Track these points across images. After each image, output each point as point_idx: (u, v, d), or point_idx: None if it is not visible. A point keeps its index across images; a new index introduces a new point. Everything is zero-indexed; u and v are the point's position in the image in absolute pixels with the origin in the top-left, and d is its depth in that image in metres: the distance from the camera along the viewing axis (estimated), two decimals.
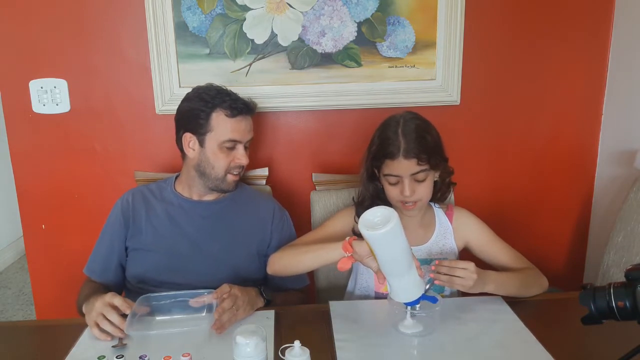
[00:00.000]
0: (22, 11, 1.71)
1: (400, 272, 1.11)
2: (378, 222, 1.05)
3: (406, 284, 1.13)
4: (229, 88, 1.47)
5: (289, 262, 1.32)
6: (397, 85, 1.83)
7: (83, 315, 1.24)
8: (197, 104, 1.41)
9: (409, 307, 1.17)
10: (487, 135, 1.94)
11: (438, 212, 1.45)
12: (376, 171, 1.35)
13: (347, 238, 1.18)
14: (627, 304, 0.87)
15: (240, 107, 1.41)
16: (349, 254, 1.16)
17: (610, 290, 0.89)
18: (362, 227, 1.05)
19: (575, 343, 1.18)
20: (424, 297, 1.15)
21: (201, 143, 1.42)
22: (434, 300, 1.18)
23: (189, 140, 1.43)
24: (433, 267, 1.20)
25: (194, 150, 1.43)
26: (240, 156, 1.44)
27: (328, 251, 1.22)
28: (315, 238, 1.39)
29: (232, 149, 1.43)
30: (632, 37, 1.79)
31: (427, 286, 1.19)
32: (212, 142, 1.41)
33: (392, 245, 1.06)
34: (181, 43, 1.75)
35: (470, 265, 1.19)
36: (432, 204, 1.44)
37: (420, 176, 1.29)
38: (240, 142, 1.43)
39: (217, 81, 1.57)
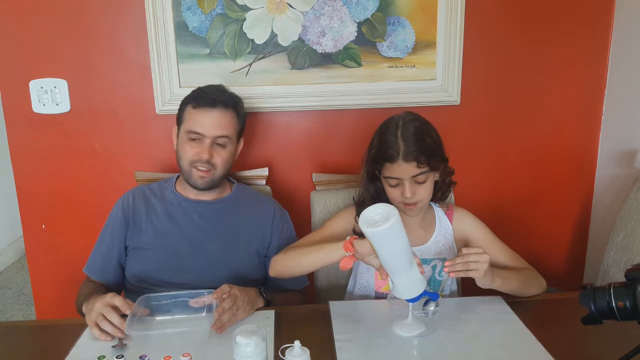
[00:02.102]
0: (22, 11, 1.71)
1: (402, 268, 1.11)
2: (378, 220, 1.05)
3: (407, 281, 1.13)
4: (229, 88, 1.48)
5: (291, 263, 1.32)
6: (397, 85, 1.83)
7: (82, 314, 1.24)
8: (184, 98, 1.48)
9: (410, 305, 1.17)
10: (487, 135, 1.94)
11: (438, 212, 1.45)
12: (376, 172, 1.35)
13: (348, 237, 1.18)
14: (627, 304, 0.87)
15: (206, 100, 1.42)
16: (350, 253, 1.16)
17: (611, 290, 0.89)
18: (362, 225, 1.05)
19: (575, 343, 1.18)
20: (425, 293, 1.16)
21: (177, 134, 1.47)
22: (435, 296, 1.19)
23: (174, 132, 1.49)
24: (447, 263, 1.19)
25: (175, 141, 1.48)
26: (202, 150, 1.41)
27: (329, 251, 1.22)
28: (317, 239, 1.39)
29: (197, 141, 1.42)
30: (632, 37, 1.79)
31: (446, 277, 1.20)
32: (182, 132, 1.45)
33: (393, 241, 1.06)
34: (181, 43, 1.75)
35: (479, 249, 1.19)
36: (432, 204, 1.44)
37: (421, 178, 1.29)
38: (204, 135, 1.41)
39: (217, 81, 1.58)
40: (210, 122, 1.41)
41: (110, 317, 1.16)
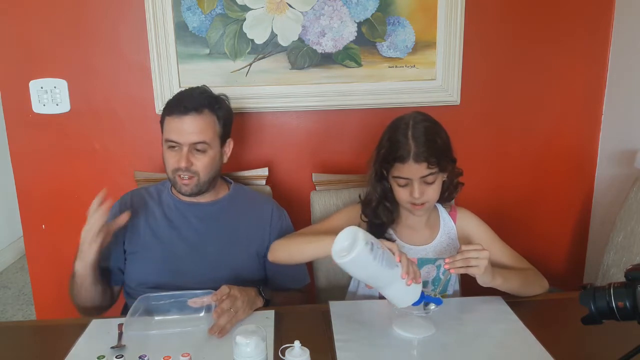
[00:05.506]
0: (22, 11, 1.71)
1: (384, 283, 1.11)
2: (346, 246, 1.05)
3: (395, 291, 1.12)
4: (227, 88, 1.47)
5: (291, 251, 1.31)
6: (397, 86, 1.83)
7: (79, 306, 1.23)
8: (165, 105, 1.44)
9: (421, 304, 1.17)
10: (487, 135, 1.94)
11: (442, 212, 1.45)
12: (384, 172, 1.35)
13: None
14: (627, 304, 0.87)
15: (178, 107, 1.38)
16: None
17: (610, 290, 0.89)
18: (335, 257, 1.05)
19: (575, 343, 1.18)
20: (429, 299, 1.16)
21: (162, 143, 1.43)
22: (438, 301, 1.18)
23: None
24: (447, 260, 1.18)
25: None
26: (180, 158, 1.37)
27: (328, 243, 1.20)
28: (320, 230, 1.38)
29: (176, 149, 1.39)
30: (632, 37, 1.79)
31: (447, 275, 1.21)
32: (163, 141, 1.41)
33: (365, 266, 1.05)
34: (181, 43, 1.75)
35: (479, 246, 1.19)
36: (436, 204, 1.44)
37: (430, 179, 1.29)
38: (180, 143, 1.37)
39: (217, 81, 1.57)
40: (185, 129, 1.36)
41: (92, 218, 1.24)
